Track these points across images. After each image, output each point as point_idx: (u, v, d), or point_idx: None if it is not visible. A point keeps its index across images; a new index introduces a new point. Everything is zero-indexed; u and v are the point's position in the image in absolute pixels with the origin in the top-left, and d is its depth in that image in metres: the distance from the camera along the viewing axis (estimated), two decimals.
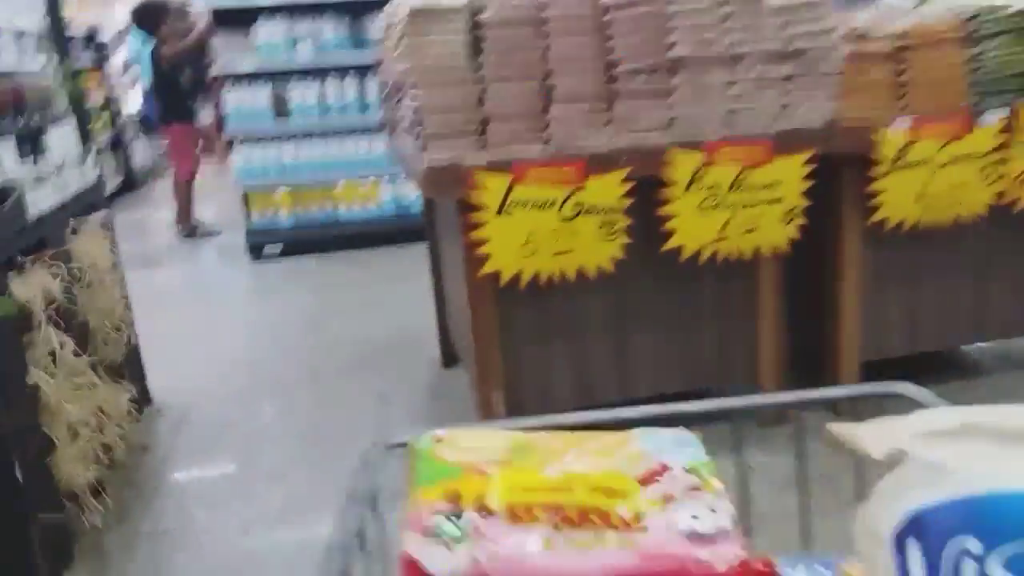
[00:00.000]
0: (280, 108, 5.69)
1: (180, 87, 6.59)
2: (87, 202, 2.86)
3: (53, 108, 2.79)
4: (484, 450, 0.76)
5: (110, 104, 9.12)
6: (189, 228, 6.72)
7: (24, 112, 2.53)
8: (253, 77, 5.65)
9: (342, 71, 5.70)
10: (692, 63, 2.41)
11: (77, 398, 2.37)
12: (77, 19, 9.18)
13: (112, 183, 8.68)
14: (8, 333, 2.08)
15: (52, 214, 2.50)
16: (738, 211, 2.49)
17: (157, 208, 8.16)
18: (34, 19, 2.77)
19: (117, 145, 9.13)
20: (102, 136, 8.53)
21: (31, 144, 2.47)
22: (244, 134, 5.70)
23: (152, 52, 6.53)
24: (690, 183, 2.43)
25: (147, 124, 9.44)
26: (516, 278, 2.41)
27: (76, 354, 2.42)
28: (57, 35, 3.00)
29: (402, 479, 0.75)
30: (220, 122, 6.23)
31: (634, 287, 2.57)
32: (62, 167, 2.66)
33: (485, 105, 2.34)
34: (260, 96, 5.64)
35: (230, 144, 5.86)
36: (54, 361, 2.30)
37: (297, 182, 5.76)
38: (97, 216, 2.86)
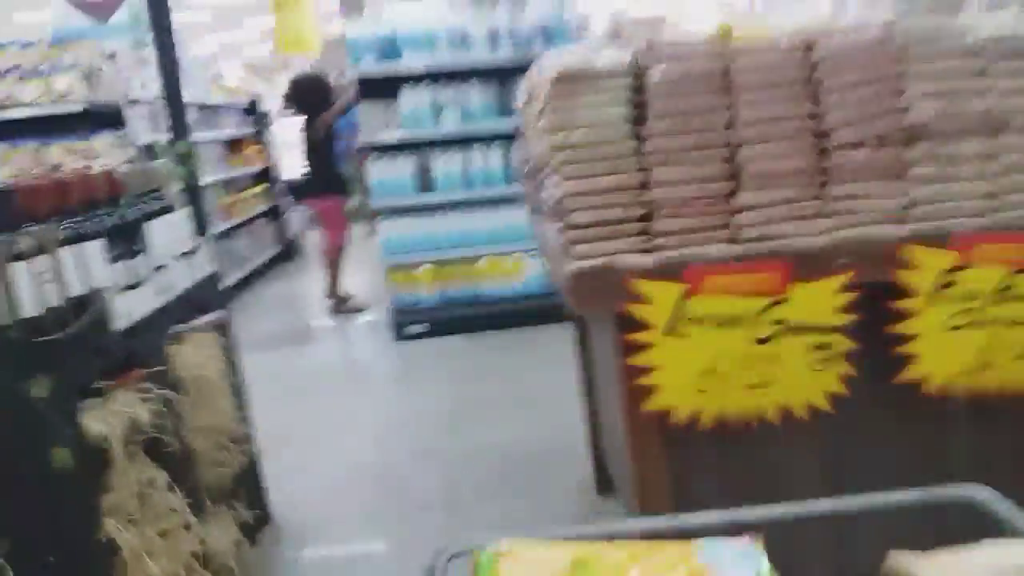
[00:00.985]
0: (424, 179, 5.42)
1: (333, 158, 6.52)
2: (198, 301, 2.55)
3: (160, 195, 2.51)
4: (547, 564, 0.76)
5: (269, 174, 9.34)
6: (338, 302, 6.57)
7: (119, 203, 2.24)
8: (397, 148, 5.42)
9: (487, 140, 5.37)
10: (936, 131, 1.78)
11: (166, 548, 1.99)
12: (241, 89, 9.57)
13: (268, 253, 8.82)
14: (70, 485, 1.72)
15: (148, 322, 2.17)
16: (1005, 329, 1.80)
17: (311, 280, 8.12)
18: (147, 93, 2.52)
19: (274, 215, 9.31)
20: (258, 207, 8.71)
21: (126, 241, 2.16)
22: (388, 207, 5.47)
23: (306, 124, 6.48)
24: (937, 292, 1.77)
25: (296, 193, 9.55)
26: (693, 418, 1.83)
27: (171, 488, 2.05)
28: (174, 110, 2.77)
29: None
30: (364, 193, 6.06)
31: (859, 433, 1.91)
32: (166, 265, 2.35)
33: (651, 190, 1.81)
34: (404, 167, 5.40)
35: (375, 216, 5.65)
36: (140, 503, 1.94)
37: (440, 257, 5.44)
38: (209, 317, 2.53)
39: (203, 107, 7.60)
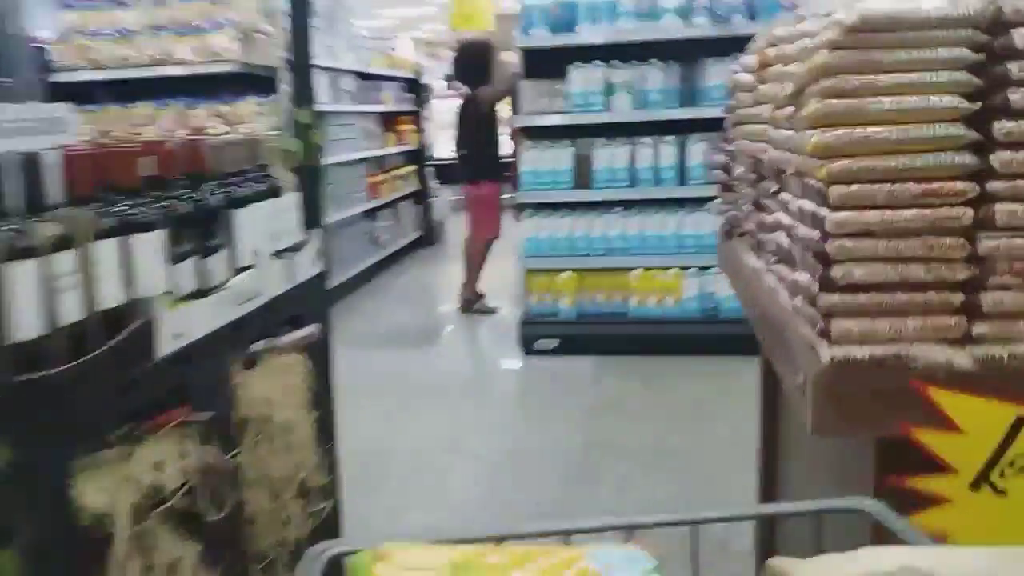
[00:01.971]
0: (582, 172, 4.77)
1: (496, 139, 5.95)
2: (292, 312, 2.03)
3: (263, 174, 2.00)
4: (425, 567, 0.73)
5: (422, 154, 8.99)
6: (470, 298, 6.06)
7: (203, 181, 1.74)
8: (555, 134, 4.81)
9: (661, 130, 4.66)
10: None
11: None
12: (406, 61, 9.22)
13: (408, 237, 8.48)
14: None
15: (212, 341, 1.65)
16: None
17: (446, 270, 7.69)
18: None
19: (420, 198, 8.95)
20: (405, 188, 8.36)
21: (200, 233, 1.66)
22: (536, 202, 4.87)
23: (464, 104, 5.96)
24: None
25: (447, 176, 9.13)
26: None
27: (205, 564, 1.53)
28: (299, 74, 2.26)
29: None
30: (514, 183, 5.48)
31: None
32: (254, 265, 1.84)
33: (993, 238, 1.08)
34: (561, 157, 4.77)
35: (520, 210, 5.07)
36: None
37: (585, 264, 4.79)
38: (300, 333, 2.01)
39: (362, 76, 7.28)
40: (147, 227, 1.49)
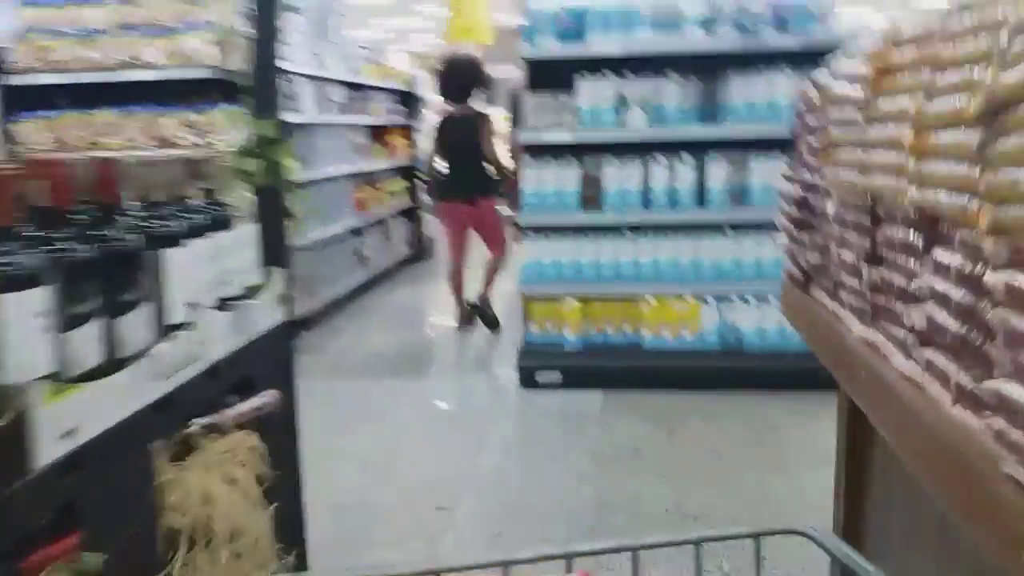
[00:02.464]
0: (591, 194, 4.35)
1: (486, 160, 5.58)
2: (241, 378, 1.59)
3: (212, 202, 1.57)
4: None
5: (413, 169, 8.56)
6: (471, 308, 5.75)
7: (115, 213, 1.30)
8: (562, 152, 4.39)
9: (677, 149, 4.25)
10: None
11: None
12: (398, 72, 8.78)
13: (399, 255, 8.05)
14: None
15: (124, 433, 1.22)
16: None
17: (440, 288, 7.26)
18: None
19: (412, 214, 8.52)
20: (395, 204, 7.92)
21: (111, 286, 1.22)
22: (540, 224, 4.45)
23: (449, 120, 5.58)
24: None
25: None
26: None
27: None
28: (261, 80, 1.84)
29: None
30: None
31: None
32: (189, 324, 1.40)
33: None
34: (568, 177, 4.35)
35: (521, 233, 4.65)
36: None
37: (592, 291, 4.37)
38: (253, 403, 1.56)
39: (352, 86, 6.87)
40: (21, 282, 1.06)
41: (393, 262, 7.85)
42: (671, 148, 4.25)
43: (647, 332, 4.28)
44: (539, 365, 4.38)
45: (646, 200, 4.25)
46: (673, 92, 4.19)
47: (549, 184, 4.33)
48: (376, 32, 16.61)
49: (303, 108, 5.69)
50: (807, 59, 3.00)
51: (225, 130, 4.30)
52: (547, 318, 4.42)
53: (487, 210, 5.52)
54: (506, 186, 5.48)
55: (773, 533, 0.91)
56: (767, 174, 4.08)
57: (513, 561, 0.84)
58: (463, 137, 5.43)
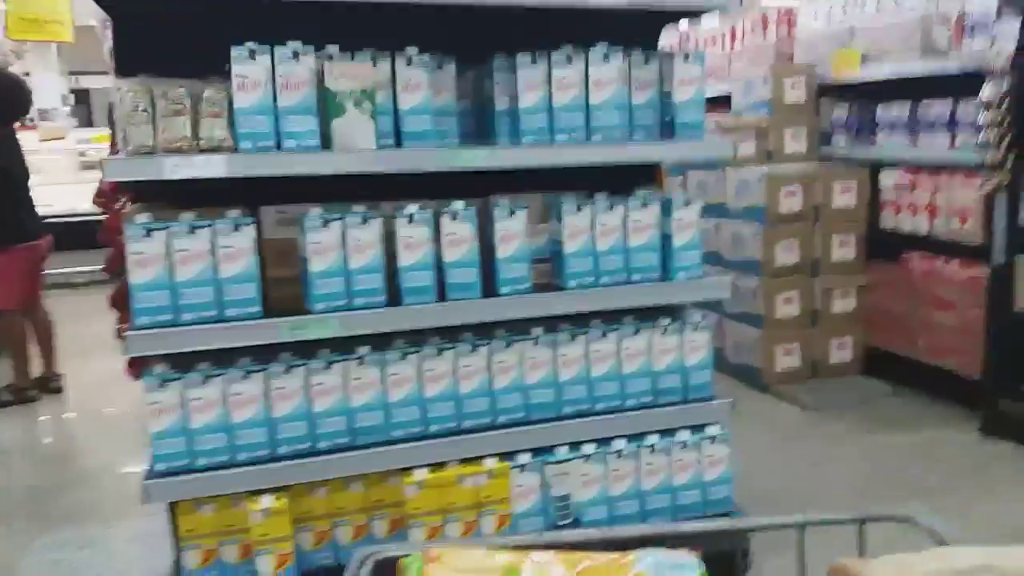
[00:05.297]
0: (281, 275, 2.18)
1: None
2: None
3: None
4: (477, 569, 0.74)
5: None
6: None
7: None
8: (208, 193, 2.14)
9: (435, 187, 2.25)
10: None
11: None
12: None
13: None
14: None
15: None
16: None
17: None
18: None
19: None
20: None
21: None
22: (176, 344, 2.14)
23: None
24: None
25: None
26: None
27: None
28: None
29: None
30: None
31: None
32: None
33: None
34: (230, 245, 2.12)
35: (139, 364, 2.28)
36: None
37: (310, 474, 2.20)
38: None
39: None
40: None
41: None
42: (424, 187, 2.25)
43: (417, 534, 2.22)
44: None
45: (393, 287, 2.19)
46: (420, 78, 2.17)
47: (188, 264, 2.06)
48: None
49: None
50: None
51: None
52: (218, 536, 2.16)
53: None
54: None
55: (879, 519, 0.91)
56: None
57: (619, 537, 0.88)
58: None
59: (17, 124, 4.85)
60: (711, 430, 2.47)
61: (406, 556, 0.76)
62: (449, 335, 2.31)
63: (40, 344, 4.80)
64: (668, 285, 2.42)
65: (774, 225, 4.30)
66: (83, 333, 5.32)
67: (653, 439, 2.41)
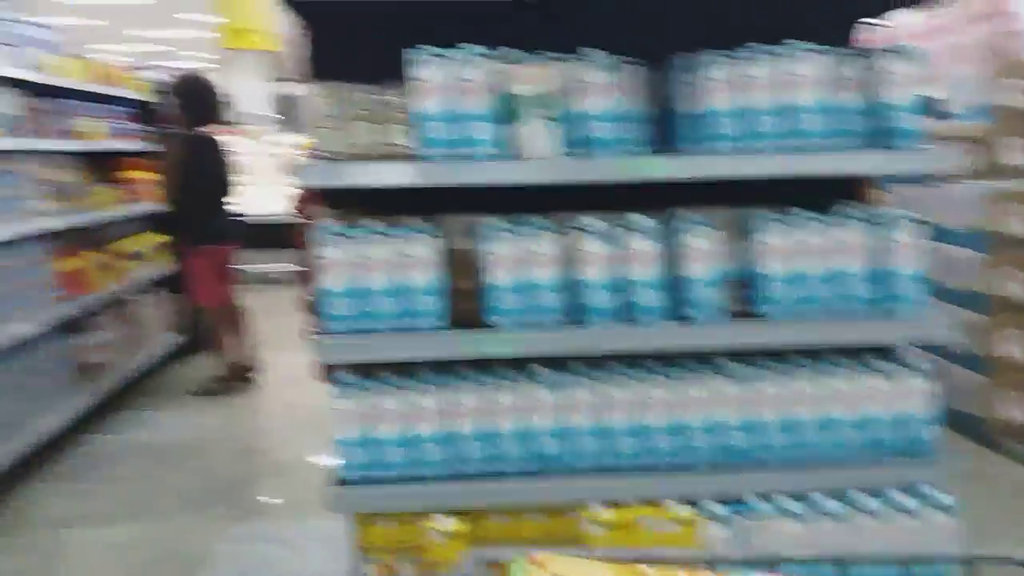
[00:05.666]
0: (464, 291, 2.15)
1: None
2: None
3: None
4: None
5: (170, 215, 5.89)
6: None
7: None
8: (390, 198, 2.15)
9: (622, 199, 2.15)
10: None
11: None
12: (126, 77, 6.09)
13: (157, 349, 5.42)
14: None
15: None
16: None
17: (235, 402, 4.79)
18: None
19: (175, 284, 5.86)
20: (144, 270, 5.29)
21: None
22: (362, 356, 2.16)
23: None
24: None
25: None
26: None
27: None
28: None
29: None
30: None
31: None
32: None
33: None
34: (412, 257, 2.11)
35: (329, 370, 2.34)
36: None
37: (491, 498, 2.14)
38: None
39: (42, 91, 4.28)
40: None
41: (147, 364, 5.26)
42: (613, 197, 2.12)
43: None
44: None
45: (572, 306, 2.09)
46: (604, 80, 2.06)
47: (374, 272, 2.07)
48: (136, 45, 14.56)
49: None
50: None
51: None
52: (397, 551, 2.15)
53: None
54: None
55: (987, 560, 0.89)
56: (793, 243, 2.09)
57: (719, 559, 0.91)
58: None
59: (222, 128, 5.08)
60: (939, 498, 2.04)
61: (511, 558, 0.79)
62: (627, 360, 2.17)
63: (238, 337, 5.10)
64: (888, 323, 2.12)
65: (998, 251, 3.80)
66: (280, 325, 5.50)
67: (873, 504, 2.03)
